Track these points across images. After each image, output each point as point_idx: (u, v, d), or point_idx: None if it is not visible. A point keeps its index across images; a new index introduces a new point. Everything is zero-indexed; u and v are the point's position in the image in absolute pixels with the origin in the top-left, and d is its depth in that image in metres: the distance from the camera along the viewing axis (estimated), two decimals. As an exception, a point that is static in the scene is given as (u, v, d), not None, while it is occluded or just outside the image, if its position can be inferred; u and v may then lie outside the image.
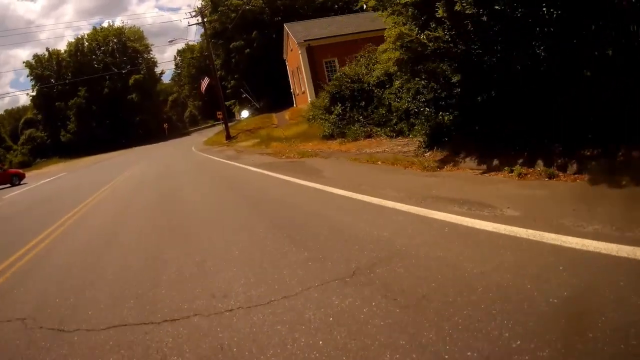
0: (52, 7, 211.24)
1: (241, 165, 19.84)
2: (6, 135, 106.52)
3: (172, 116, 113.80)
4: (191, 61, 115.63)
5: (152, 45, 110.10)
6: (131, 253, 8.41)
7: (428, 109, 13.53)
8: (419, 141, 13.80)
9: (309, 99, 45.84)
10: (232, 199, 12.57)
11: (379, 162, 13.52)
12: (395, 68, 13.72)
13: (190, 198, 14.17)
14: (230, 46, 70.65)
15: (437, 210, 7.21)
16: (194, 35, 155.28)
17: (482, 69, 10.50)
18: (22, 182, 42.07)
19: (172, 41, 71.02)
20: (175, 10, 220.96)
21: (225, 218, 9.95)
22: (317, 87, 45.31)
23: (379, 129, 19.52)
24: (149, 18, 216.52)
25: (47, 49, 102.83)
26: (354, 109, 21.70)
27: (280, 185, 13.19)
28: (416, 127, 14.82)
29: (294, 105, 57.52)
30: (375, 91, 20.81)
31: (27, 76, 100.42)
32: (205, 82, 51.69)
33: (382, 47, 13.43)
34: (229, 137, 46.07)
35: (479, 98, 10.96)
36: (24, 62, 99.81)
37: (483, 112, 10.89)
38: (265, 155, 22.13)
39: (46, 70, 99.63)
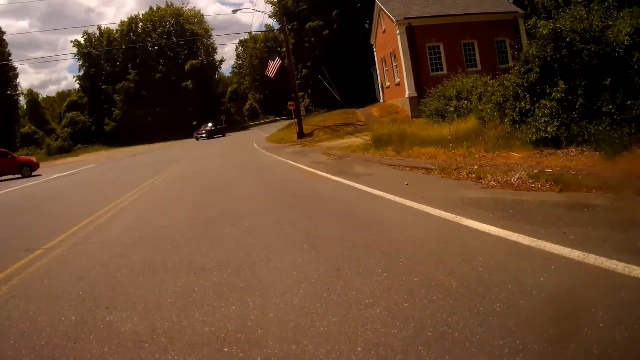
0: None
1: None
2: (50, 117, 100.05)
3: (230, 108, 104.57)
4: (254, 51, 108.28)
5: (212, 30, 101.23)
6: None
7: None
8: None
9: (407, 93, 36.39)
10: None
11: None
12: None
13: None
14: (306, 27, 60.35)
15: None
16: (262, 18, 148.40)
17: None
18: (34, 174, 34.80)
19: (236, 11, 59.28)
20: (237, 5, 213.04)
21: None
22: (419, 78, 35.76)
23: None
24: (210, 13, 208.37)
25: (99, 27, 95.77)
26: (589, 92, 11.23)
27: None
28: None
29: (381, 100, 47.72)
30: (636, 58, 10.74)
31: (75, 56, 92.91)
32: (276, 64, 41.06)
33: None
34: (302, 135, 36.09)
35: None
36: (72, 42, 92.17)
37: None
38: (435, 176, 11.45)
39: (95, 50, 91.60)
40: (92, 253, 7.82)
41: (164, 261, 6.71)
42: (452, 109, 20.40)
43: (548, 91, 12.13)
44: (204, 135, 62.32)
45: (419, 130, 18.75)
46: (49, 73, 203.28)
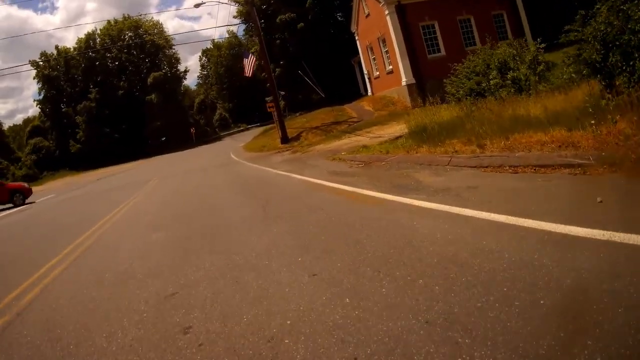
0: (72, 20, 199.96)
1: None
2: (15, 146, 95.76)
3: (199, 120, 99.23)
4: (219, 59, 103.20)
5: (173, 38, 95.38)
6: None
7: None
8: None
9: (404, 80, 32.02)
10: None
11: None
12: None
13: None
14: (277, 20, 55.51)
15: None
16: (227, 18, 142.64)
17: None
18: (27, 201, 30.96)
19: (198, 5, 52.79)
20: (196, 19, 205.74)
21: None
22: (416, 62, 31.52)
23: None
24: (170, 28, 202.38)
25: (56, 46, 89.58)
26: None
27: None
28: None
29: (369, 93, 42.70)
30: None
31: (34, 78, 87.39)
32: (251, 62, 35.55)
33: None
34: (286, 139, 30.97)
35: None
36: (29, 61, 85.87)
37: None
38: (610, 176, 6.46)
39: (54, 71, 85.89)
40: None
41: None
42: (509, 82, 15.35)
43: None
44: None
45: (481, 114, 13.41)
46: (15, 102, 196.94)
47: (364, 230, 6.62)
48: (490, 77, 16.59)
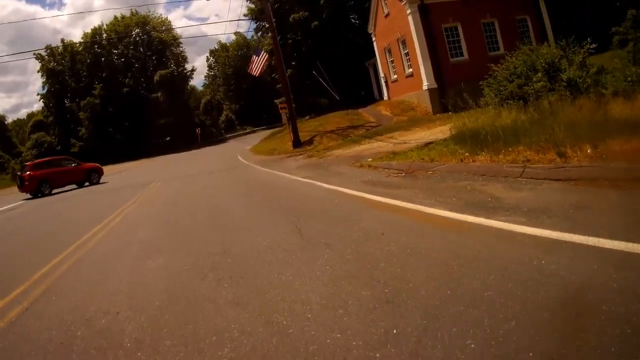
0: (79, 17, 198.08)
1: None
2: (17, 140, 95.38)
3: (205, 120, 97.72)
4: (226, 60, 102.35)
5: (180, 37, 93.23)
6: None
7: None
8: None
9: (425, 84, 30.28)
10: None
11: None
12: None
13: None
14: (290, 19, 53.84)
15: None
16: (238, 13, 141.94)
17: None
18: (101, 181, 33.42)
19: None
20: (203, 19, 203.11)
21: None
22: (438, 66, 30.24)
23: None
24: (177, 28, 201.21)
25: (62, 40, 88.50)
26: None
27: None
28: None
29: (385, 97, 40.86)
30: None
31: (38, 71, 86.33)
32: (262, 60, 33.08)
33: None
34: (298, 143, 29.29)
35: None
36: (34, 54, 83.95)
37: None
38: None
39: (59, 65, 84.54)
40: None
41: None
42: (563, 84, 13.61)
43: None
44: None
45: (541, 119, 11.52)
46: (20, 96, 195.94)
47: (475, 274, 4.27)
48: (534, 79, 14.86)
